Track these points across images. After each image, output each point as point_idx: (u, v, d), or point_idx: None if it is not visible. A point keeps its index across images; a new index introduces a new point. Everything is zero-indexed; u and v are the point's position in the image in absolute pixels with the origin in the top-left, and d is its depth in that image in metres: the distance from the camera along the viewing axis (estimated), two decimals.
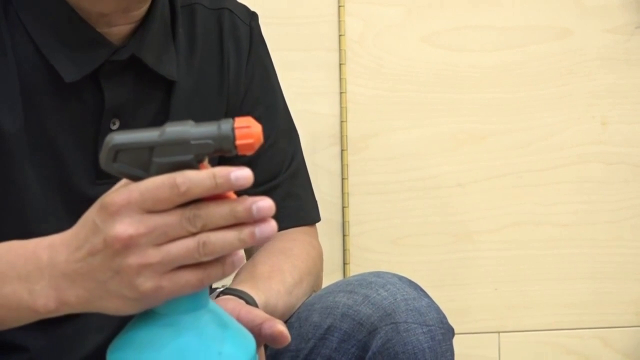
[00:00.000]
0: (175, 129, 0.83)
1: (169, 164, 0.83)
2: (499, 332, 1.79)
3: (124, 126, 1.11)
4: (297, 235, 1.26)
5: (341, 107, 1.72)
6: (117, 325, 1.09)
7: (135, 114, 1.12)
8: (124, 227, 0.83)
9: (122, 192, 0.83)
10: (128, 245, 0.83)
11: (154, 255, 0.83)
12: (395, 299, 1.10)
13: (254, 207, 0.83)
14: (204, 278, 0.84)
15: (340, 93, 1.71)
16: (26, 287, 0.88)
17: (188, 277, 0.84)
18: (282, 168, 1.27)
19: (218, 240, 0.83)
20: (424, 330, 1.09)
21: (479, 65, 1.75)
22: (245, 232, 0.83)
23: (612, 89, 1.78)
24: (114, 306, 0.86)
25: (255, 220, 0.83)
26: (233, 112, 1.21)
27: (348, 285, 1.13)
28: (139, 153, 0.83)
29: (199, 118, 1.16)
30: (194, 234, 0.83)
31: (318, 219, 1.31)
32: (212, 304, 0.89)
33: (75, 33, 1.08)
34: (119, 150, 0.83)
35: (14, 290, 0.88)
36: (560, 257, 1.79)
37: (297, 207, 1.29)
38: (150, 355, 0.85)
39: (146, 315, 0.87)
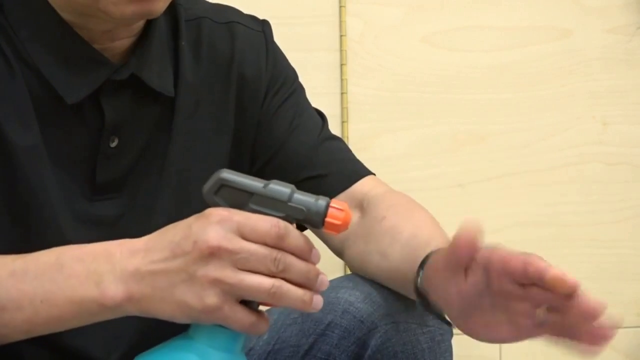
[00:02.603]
0: (279, 187, 0.91)
1: (262, 214, 0.90)
2: None
3: (123, 143, 1.12)
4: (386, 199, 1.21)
5: (342, 108, 1.72)
6: (129, 347, 1.09)
7: (134, 131, 1.13)
8: (216, 236, 0.88)
9: (227, 208, 0.90)
10: (213, 254, 0.88)
11: (231, 275, 0.88)
12: (396, 298, 1.10)
13: (320, 277, 0.91)
14: (253, 325, 0.91)
15: (342, 93, 1.71)
16: (94, 279, 0.92)
17: (244, 316, 0.90)
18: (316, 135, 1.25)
19: (289, 291, 0.90)
20: (423, 330, 1.10)
21: (479, 66, 1.75)
22: (308, 296, 0.91)
23: (612, 89, 1.78)
24: (170, 312, 0.91)
25: (315, 289, 0.91)
26: (252, 116, 1.21)
27: (351, 282, 1.13)
28: (240, 195, 0.91)
29: (201, 130, 1.17)
30: (269, 275, 0.89)
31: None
32: (243, 356, 0.95)
33: (74, 53, 1.08)
34: (223, 185, 0.92)
35: (80, 283, 0.93)
36: (561, 258, 1.79)
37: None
38: None
39: (183, 341, 0.93)
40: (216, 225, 0.89)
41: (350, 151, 1.27)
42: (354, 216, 1.19)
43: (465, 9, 1.74)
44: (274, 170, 1.20)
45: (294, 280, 0.90)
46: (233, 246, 0.88)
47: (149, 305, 0.91)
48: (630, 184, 1.80)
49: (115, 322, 0.97)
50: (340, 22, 1.71)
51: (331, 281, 1.16)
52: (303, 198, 0.91)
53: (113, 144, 1.11)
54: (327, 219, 0.90)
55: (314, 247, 0.91)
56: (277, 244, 0.89)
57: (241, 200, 0.91)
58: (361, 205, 1.20)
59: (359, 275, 1.15)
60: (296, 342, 1.11)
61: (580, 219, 1.79)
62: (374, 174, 1.26)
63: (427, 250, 1.01)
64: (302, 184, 1.18)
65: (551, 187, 1.78)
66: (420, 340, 1.09)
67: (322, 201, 0.91)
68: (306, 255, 0.91)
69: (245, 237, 0.89)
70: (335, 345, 1.09)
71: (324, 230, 0.91)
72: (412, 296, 1.05)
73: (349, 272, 1.72)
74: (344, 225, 0.91)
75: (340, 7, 1.71)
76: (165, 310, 0.91)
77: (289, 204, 0.90)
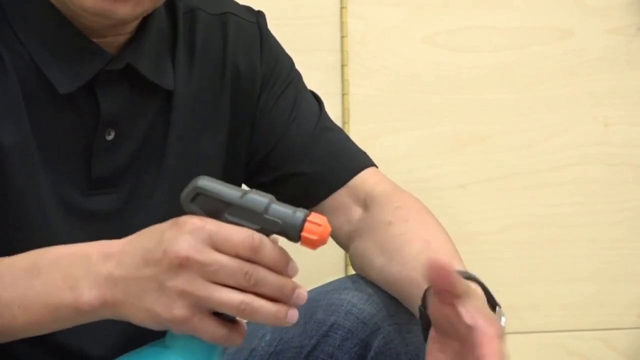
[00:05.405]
0: (256, 198, 0.88)
1: (237, 225, 0.88)
2: None
3: (120, 136, 1.11)
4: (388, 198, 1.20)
5: (343, 109, 1.72)
6: (123, 342, 1.09)
7: (131, 124, 1.12)
8: (187, 247, 0.87)
9: (202, 217, 0.88)
10: (183, 265, 0.87)
11: (200, 288, 0.87)
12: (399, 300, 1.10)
13: (296, 292, 0.89)
14: (225, 337, 0.89)
15: (343, 94, 1.71)
16: (69, 283, 0.91)
17: (215, 328, 0.89)
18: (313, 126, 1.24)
19: (261, 308, 0.88)
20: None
21: (481, 66, 1.75)
22: (282, 311, 0.88)
23: (614, 90, 1.78)
24: (141, 318, 0.90)
25: (291, 304, 0.89)
26: (248, 110, 1.20)
27: (354, 283, 1.13)
28: (216, 204, 0.89)
29: (199, 124, 1.16)
30: (240, 290, 0.87)
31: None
32: None
33: (69, 43, 1.07)
34: (199, 193, 0.89)
35: (55, 288, 0.92)
36: (562, 258, 1.79)
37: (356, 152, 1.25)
38: None
39: (158, 349, 0.92)
40: (187, 235, 0.87)
41: (349, 141, 1.25)
42: (357, 212, 1.19)
43: (467, 10, 1.74)
44: (271, 165, 1.20)
45: (267, 295, 0.88)
46: (203, 258, 0.87)
47: (122, 311, 0.90)
48: (631, 184, 1.80)
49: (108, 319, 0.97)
50: (342, 22, 1.71)
51: (334, 282, 1.16)
52: (280, 210, 0.88)
53: (109, 137, 1.10)
54: (303, 234, 0.88)
55: (291, 260, 0.89)
56: (250, 257, 0.87)
57: (217, 209, 0.89)
58: (364, 203, 1.19)
59: (362, 276, 1.15)
60: (299, 343, 1.11)
61: (581, 219, 1.79)
62: (375, 166, 1.24)
63: None
64: (300, 179, 1.18)
65: (552, 187, 1.78)
66: (422, 341, 1.08)
67: (299, 214, 0.88)
68: (282, 268, 0.89)
69: (217, 249, 0.87)
70: (338, 346, 1.09)
71: (301, 245, 0.89)
72: (410, 307, 1.05)
73: (349, 272, 1.72)
74: (321, 241, 0.88)
75: (342, 8, 1.71)
76: (136, 317, 0.90)
77: (265, 216, 0.88)
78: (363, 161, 1.23)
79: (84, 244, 0.94)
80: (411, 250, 1.07)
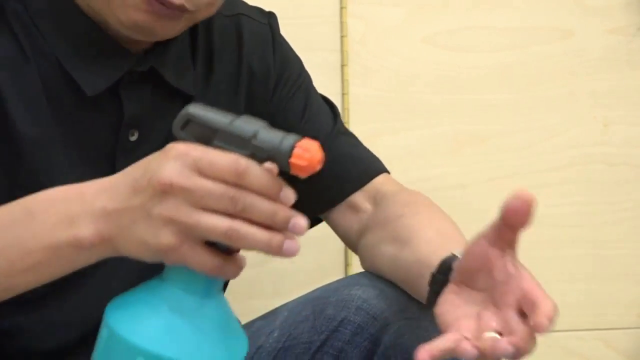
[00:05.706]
0: (244, 124, 0.86)
1: (227, 151, 0.85)
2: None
3: (143, 137, 1.11)
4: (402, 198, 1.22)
5: (343, 109, 1.71)
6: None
7: (153, 126, 1.12)
8: (170, 173, 0.84)
9: (189, 144, 0.85)
10: (166, 191, 0.83)
11: (185, 214, 0.83)
12: (410, 295, 1.10)
13: (292, 221, 0.84)
14: (218, 268, 0.85)
15: (342, 94, 1.71)
16: (66, 221, 0.88)
17: (205, 258, 0.85)
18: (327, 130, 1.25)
19: (248, 234, 0.84)
20: (436, 327, 1.09)
21: (481, 66, 1.75)
22: (276, 239, 0.84)
23: (614, 90, 1.78)
24: (135, 250, 0.87)
25: (287, 233, 0.84)
26: (261, 110, 1.20)
27: (364, 279, 1.13)
28: (205, 130, 0.86)
29: None
30: (229, 215, 0.83)
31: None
32: (222, 299, 0.90)
33: (95, 45, 1.08)
34: (189, 120, 0.87)
35: (53, 226, 0.89)
36: (562, 258, 1.79)
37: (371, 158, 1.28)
38: (140, 326, 0.86)
39: (155, 283, 0.89)
40: (172, 161, 0.84)
41: (363, 147, 1.28)
42: (367, 209, 1.21)
43: (467, 10, 1.74)
44: None
45: (257, 221, 0.84)
46: (187, 183, 0.83)
47: (118, 245, 0.87)
48: (631, 184, 1.80)
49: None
50: (342, 22, 1.71)
51: (344, 279, 1.17)
52: (269, 136, 0.85)
53: (133, 138, 1.10)
54: (292, 160, 0.84)
55: (285, 187, 0.85)
56: (237, 182, 0.83)
57: (207, 136, 0.86)
58: (374, 200, 1.21)
59: (372, 272, 1.15)
60: (308, 339, 1.11)
61: (581, 219, 1.79)
62: (388, 172, 1.26)
63: (457, 249, 0.99)
64: (315, 181, 1.18)
65: (552, 187, 1.78)
66: (433, 337, 1.08)
67: (288, 141, 0.84)
68: (273, 195, 0.84)
69: (203, 174, 0.83)
70: (348, 341, 1.09)
71: (292, 173, 0.85)
72: (417, 292, 1.04)
73: (350, 273, 1.72)
74: (311, 167, 0.84)
75: (341, 8, 1.70)
76: (130, 250, 0.87)
77: (253, 142, 0.84)
78: (379, 166, 1.26)
79: (76, 184, 0.91)
80: (425, 236, 1.07)
